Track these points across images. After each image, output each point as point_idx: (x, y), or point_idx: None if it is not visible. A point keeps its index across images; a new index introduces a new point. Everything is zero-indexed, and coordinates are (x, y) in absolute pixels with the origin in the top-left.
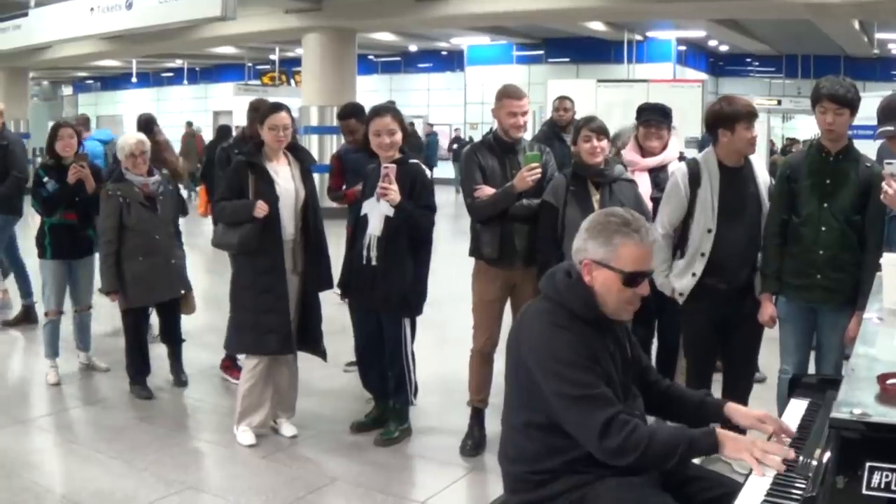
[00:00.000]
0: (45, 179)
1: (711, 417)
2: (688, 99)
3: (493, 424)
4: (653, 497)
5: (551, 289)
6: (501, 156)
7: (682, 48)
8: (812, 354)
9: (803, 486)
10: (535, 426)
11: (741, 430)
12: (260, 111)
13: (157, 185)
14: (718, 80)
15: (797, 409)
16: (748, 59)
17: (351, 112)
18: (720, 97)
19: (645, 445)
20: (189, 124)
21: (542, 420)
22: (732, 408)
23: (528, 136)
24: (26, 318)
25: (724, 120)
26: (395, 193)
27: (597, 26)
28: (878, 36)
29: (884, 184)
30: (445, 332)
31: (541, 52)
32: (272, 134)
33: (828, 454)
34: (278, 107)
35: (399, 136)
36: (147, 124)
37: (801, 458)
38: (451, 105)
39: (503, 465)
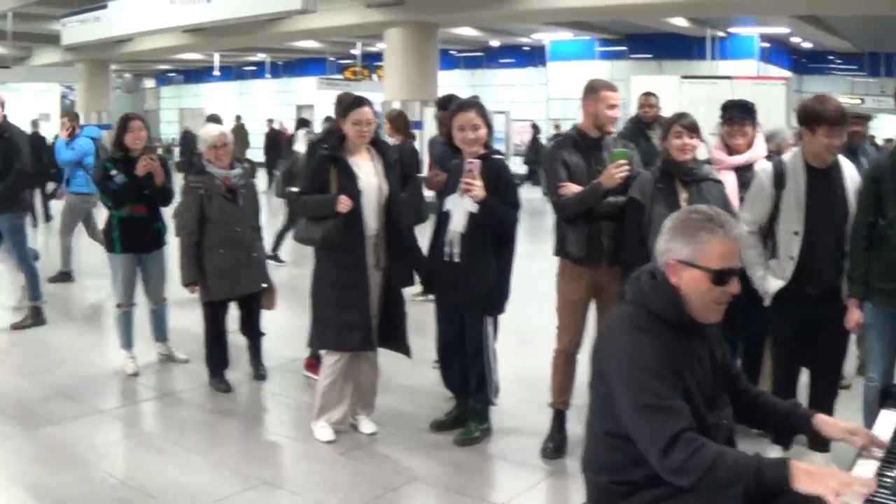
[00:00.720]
0: (114, 172)
1: (799, 428)
2: (772, 96)
3: (575, 426)
4: None
5: (636, 292)
6: (586, 152)
7: (765, 45)
8: None
9: None
10: (616, 436)
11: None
12: (343, 105)
13: (239, 177)
14: (802, 78)
15: (888, 421)
16: (830, 57)
17: (446, 103)
18: (817, 94)
19: (708, 467)
20: (238, 118)
21: (624, 430)
22: (821, 419)
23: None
24: (35, 319)
25: (808, 119)
26: (479, 189)
27: (679, 22)
28: None
29: None
30: (526, 330)
31: (623, 47)
32: (355, 129)
33: None
34: (361, 101)
35: (483, 132)
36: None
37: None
38: (533, 101)
39: (586, 473)
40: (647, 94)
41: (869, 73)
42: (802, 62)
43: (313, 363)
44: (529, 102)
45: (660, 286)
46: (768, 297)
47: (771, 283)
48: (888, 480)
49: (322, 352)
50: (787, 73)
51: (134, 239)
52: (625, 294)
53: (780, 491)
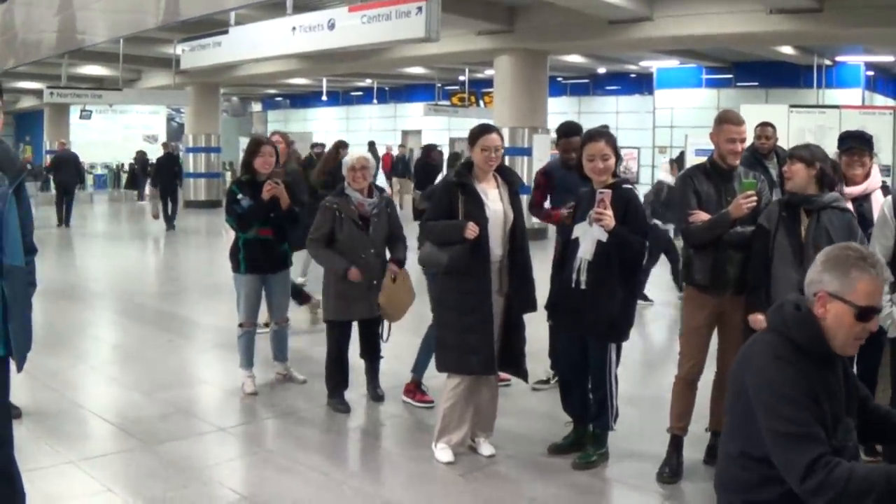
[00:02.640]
0: (240, 196)
1: None
2: (879, 126)
3: (691, 452)
4: None
5: (779, 321)
6: (718, 182)
7: (871, 73)
8: None
9: None
10: (751, 457)
11: None
12: (470, 133)
13: (373, 207)
14: None
15: None
16: None
17: (568, 131)
18: None
19: (843, 484)
20: (292, 143)
21: (759, 452)
22: None
23: None
24: None
25: None
26: (609, 219)
27: (786, 50)
28: None
29: None
30: (640, 356)
31: (730, 75)
32: (484, 155)
33: None
34: (489, 128)
35: (612, 161)
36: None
37: None
38: (640, 128)
39: (718, 492)
40: (764, 125)
41: None
42: None
43: (412, 389)
44: (636, 129)
45: (804, 317)
46: (894, 328)
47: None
48: None
49: (422, 378)
50: (891, 102)
51: (259, 260)
52: (747, 320)
53: None
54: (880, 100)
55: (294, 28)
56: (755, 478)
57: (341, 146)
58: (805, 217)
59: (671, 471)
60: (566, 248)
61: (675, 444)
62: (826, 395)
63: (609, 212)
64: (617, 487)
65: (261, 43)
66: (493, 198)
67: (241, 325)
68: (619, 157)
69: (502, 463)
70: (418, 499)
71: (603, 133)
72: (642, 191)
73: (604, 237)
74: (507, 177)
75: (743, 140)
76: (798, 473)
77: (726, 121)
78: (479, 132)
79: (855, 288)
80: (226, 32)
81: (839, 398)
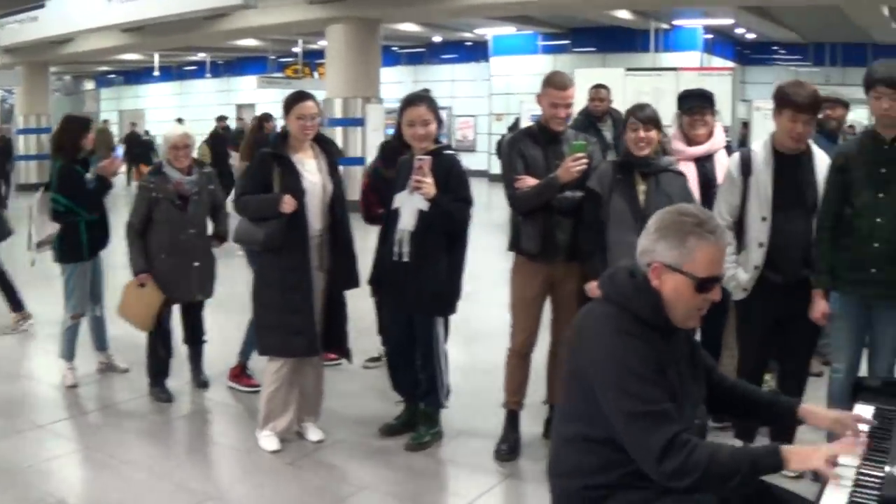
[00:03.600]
0: (89, 176)
1: (784, 418)
2: (718, 87)
3: (529, 426)
4: None
5: (613, 291)
6: (545, 146)
7: (709, 37)
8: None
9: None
10: (591, 439)
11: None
12: (285, 102)
13: (193, 185)
14: (745, 69)
15: (863, 415)
16: (774, 48)
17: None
18: (794, 79)
19: (704, 467)
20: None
21: (600, 433)
22: (808, 410)
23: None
24: None
25: (777, 101)
26: (429, 187)
27: (623, 15)
28: None
29: None
30: (474, 328)
31: (566, 41)
32: (299, 123)
33: None
34: (304, 95)
35: (434, 127)
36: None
37: (886, 468)
38: (476, 96)
39: (552, 479)
40: (598, 87)
41: (813, 62)
42: (746, 53)
43: (238, 374)
44: (472, 98)
45: (641, 288)
46: (739, 291)
47: (742, 276)
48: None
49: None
50: (731, 64)
51: (95, 241)
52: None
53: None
54: (719, 62)
55: None
56: (595, 461)
57: (265, 119)
58: (641, 180)
59: (509, 447)
60: (387, 220)
61: (512, 420)
62: (673, 367)
63: (429, 179)
64: (453, 468)
65: (77, 15)
66: (311, 169)
67: (73, 317)
68: (440, 122)
69: (331, 448)
70: (244, 491)
71: (423, 97)
72: (478, 159)
73: (425, 206)
74: (325, 146)
75: (567, 105)
76: (653, 455)
77: (550, 84)
78: (294, 100)
79: (693, 258)
80: (42, 6)
81: (684, 371)
